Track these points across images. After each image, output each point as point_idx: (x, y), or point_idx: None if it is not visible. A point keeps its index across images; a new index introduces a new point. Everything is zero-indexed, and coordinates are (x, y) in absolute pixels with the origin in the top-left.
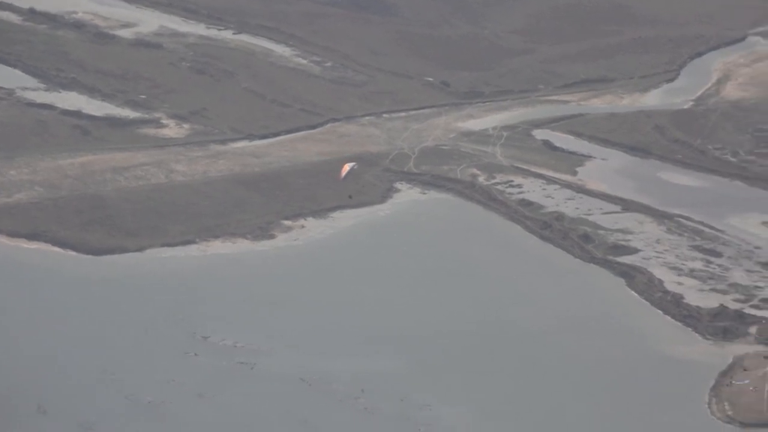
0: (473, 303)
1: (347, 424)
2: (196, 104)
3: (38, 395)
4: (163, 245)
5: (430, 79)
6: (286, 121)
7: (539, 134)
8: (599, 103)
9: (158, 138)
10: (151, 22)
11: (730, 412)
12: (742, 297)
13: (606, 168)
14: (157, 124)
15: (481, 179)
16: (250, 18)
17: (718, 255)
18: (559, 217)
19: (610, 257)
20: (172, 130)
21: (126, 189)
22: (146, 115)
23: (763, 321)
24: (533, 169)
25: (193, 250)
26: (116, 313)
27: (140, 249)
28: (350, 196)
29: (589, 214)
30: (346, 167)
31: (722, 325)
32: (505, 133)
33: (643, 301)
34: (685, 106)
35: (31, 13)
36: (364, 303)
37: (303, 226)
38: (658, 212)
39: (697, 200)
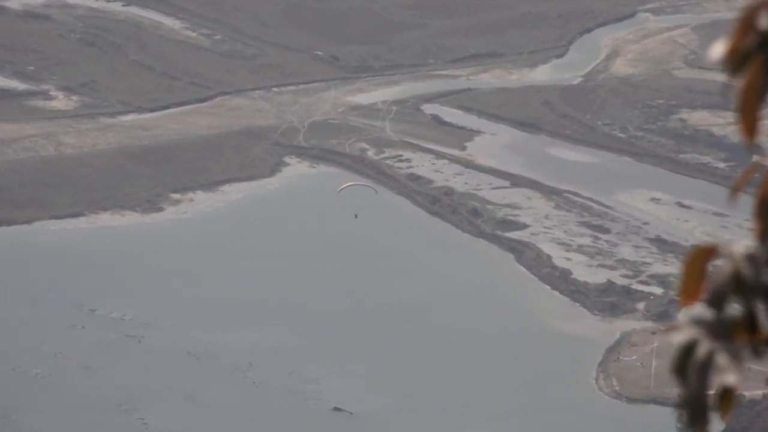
0: (360, 277)
1: (235, 398)
2: (85, 76)
3: None
4: (51, 217)
5: (320, 53)
6: (175, 94)
7: (428, 109)
8: (488, 78)
9: (47, 110)
10: None
11: (617, 388)
12: (630, 273)
13: (495, 143)
14: (45, 96)
15: (370, 153)
16: None
17: (606, 231)
18: (448, 191)
19: (499, 232)
20: (60, 102)
21: (14, 161)
22: (34, 87)
23: (651, 297)
24: (422, 143)
25: (81, 222)
26: (2, 286)
27: (28, 221)
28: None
29: (478, 189)
30: (347, 185)
31: (610, 300)
32: (394, 108)
33: (532, 276)
34: (575, 82)
35: None
36: (252, 276)
37: (192, 200)
38: (547, 188)
39: (585, 176)
